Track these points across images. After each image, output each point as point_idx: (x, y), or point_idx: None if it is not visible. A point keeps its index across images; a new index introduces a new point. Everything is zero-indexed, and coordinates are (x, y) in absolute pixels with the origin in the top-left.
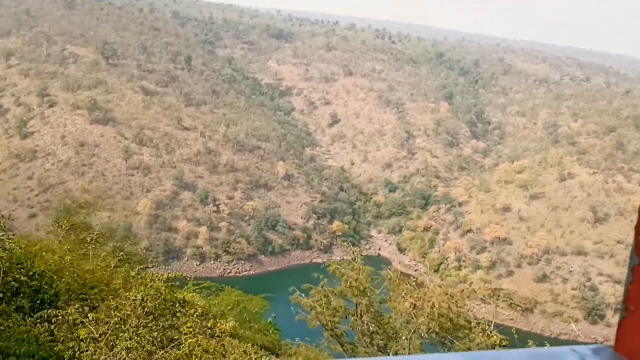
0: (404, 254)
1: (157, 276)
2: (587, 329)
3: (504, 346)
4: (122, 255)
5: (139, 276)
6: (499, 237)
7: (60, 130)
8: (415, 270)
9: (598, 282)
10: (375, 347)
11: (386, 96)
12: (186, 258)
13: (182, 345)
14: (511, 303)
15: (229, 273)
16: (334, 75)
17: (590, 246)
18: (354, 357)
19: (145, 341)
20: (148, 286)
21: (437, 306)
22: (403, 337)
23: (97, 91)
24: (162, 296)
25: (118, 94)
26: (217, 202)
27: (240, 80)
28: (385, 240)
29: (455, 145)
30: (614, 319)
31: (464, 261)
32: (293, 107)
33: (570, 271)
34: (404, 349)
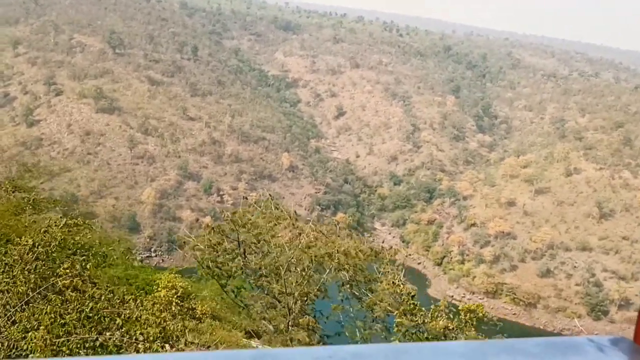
0: (408, 247)
1: (54, 222)
2: (591, 325)
3: (412, 296)
4: (60, 218)
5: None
6: (503, 232)
7: (66, 119)
8: (419, 264)
9: (602, 278)
10: (261, 289)
11: (393, 89)
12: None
13: (63, 290)
14: (514, 298)
15: None
16: (340, 68)
17: (595, 242)
18: (239, 298)
19: (20, 283)
20: (42, 231)
21: (310, 238)
22: (290, 279)
23: (104, 80)
24: (56, 242)
25: (124, 84)
26: (221, 193)
27: (246, 71)
28: (389, 233)
29: (461, 139)
30: (617, 315)
31: (467, 255)
32: (299, 99)
33: (575, 267)
34: (287, 289)
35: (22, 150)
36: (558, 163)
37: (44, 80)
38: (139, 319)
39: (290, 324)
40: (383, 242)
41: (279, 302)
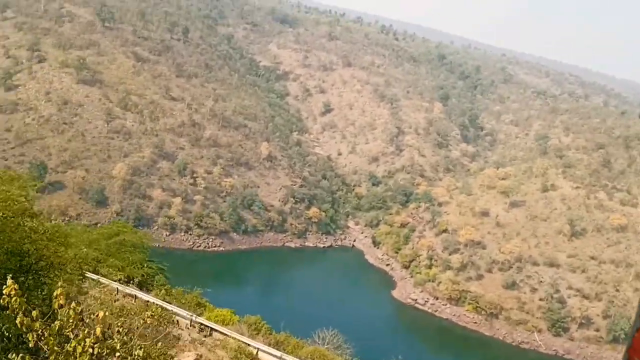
0: (378, 248)
1: None
2: (550, 340)
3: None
4: None
5: None
6: (473, 240)
7: (45, 87)
8: (387, 265)
9: (567, 296)
10: None
11: (382, 90)
12: (157, 227)
13: None
14: (477, 306)
15: (198, 246)
16: (332, 65)
17: (563, 259)
18: None
19: None
20: None
21: None
22: None
23: (89, 52)
24: None
25: (109, 57)
26: (194, 175)
27: (237, 58)
28: (362, 233)
29: (444, 146)
30: (577, 333)
31: (435, 260)
32: (288, 91)
33: (540, 281)
34: None
35: None
36: (536, 178)
37: (27, 46)
38: None
39: None
40: (354, 241)
41: None
